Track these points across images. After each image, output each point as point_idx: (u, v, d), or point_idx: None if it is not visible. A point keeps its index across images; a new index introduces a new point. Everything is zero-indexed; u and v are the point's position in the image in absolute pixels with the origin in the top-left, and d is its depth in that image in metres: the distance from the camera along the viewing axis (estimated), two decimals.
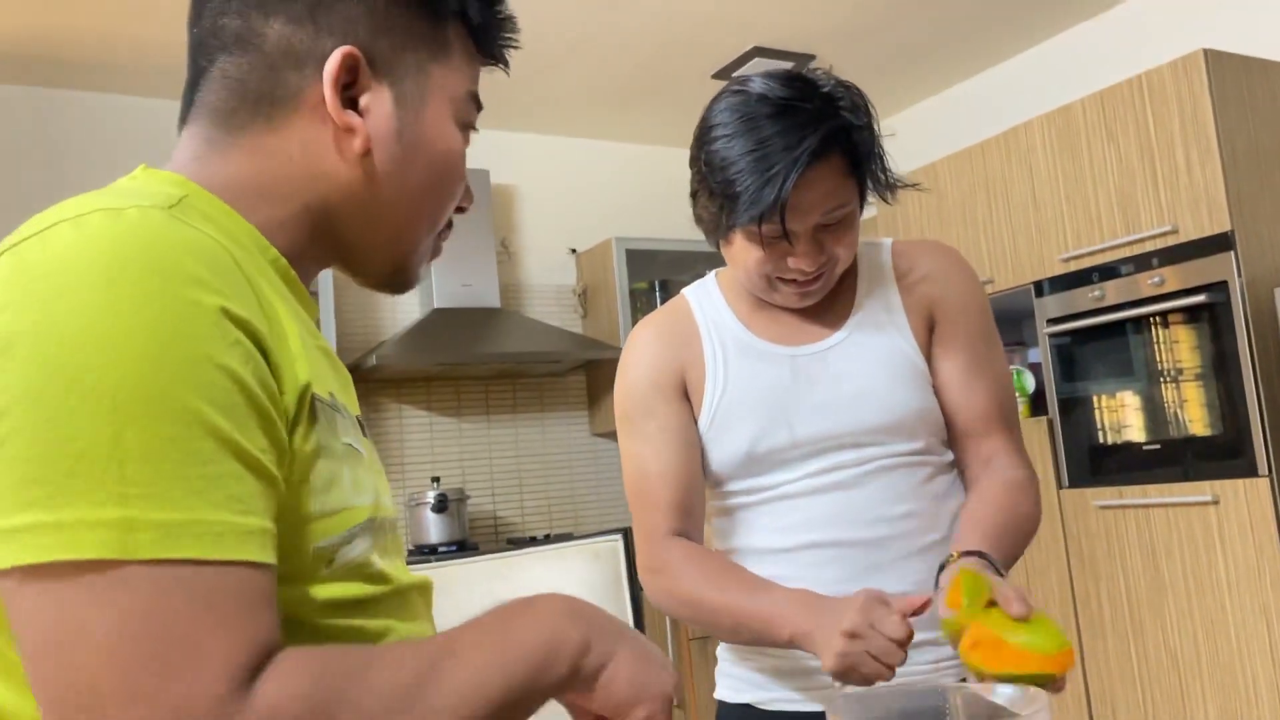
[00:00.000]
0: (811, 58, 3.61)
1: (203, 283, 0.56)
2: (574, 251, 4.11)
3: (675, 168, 4.36)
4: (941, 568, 1.09)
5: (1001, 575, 1.07)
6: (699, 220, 1.26)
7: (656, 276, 4.04)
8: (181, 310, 0.54)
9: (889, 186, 1.21)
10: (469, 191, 0.79)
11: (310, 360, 0.66)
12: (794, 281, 1.20)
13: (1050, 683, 0.91)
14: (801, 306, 1.26)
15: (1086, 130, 2.93)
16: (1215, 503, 2.62)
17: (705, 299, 1.34)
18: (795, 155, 1.10)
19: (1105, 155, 2.89)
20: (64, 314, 0.52)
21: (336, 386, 0.72)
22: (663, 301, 3.75)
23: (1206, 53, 2.65)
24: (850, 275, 1.30)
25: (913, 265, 1.30)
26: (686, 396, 1.28)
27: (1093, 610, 2.91)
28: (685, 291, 1.37)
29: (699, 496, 1.28)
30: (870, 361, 1.24)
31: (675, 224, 4.25)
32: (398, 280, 0.78)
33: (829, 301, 1.27)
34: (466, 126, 0.76)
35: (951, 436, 1.29)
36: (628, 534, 1.64)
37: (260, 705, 0.52)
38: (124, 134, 3.33)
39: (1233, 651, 2.60)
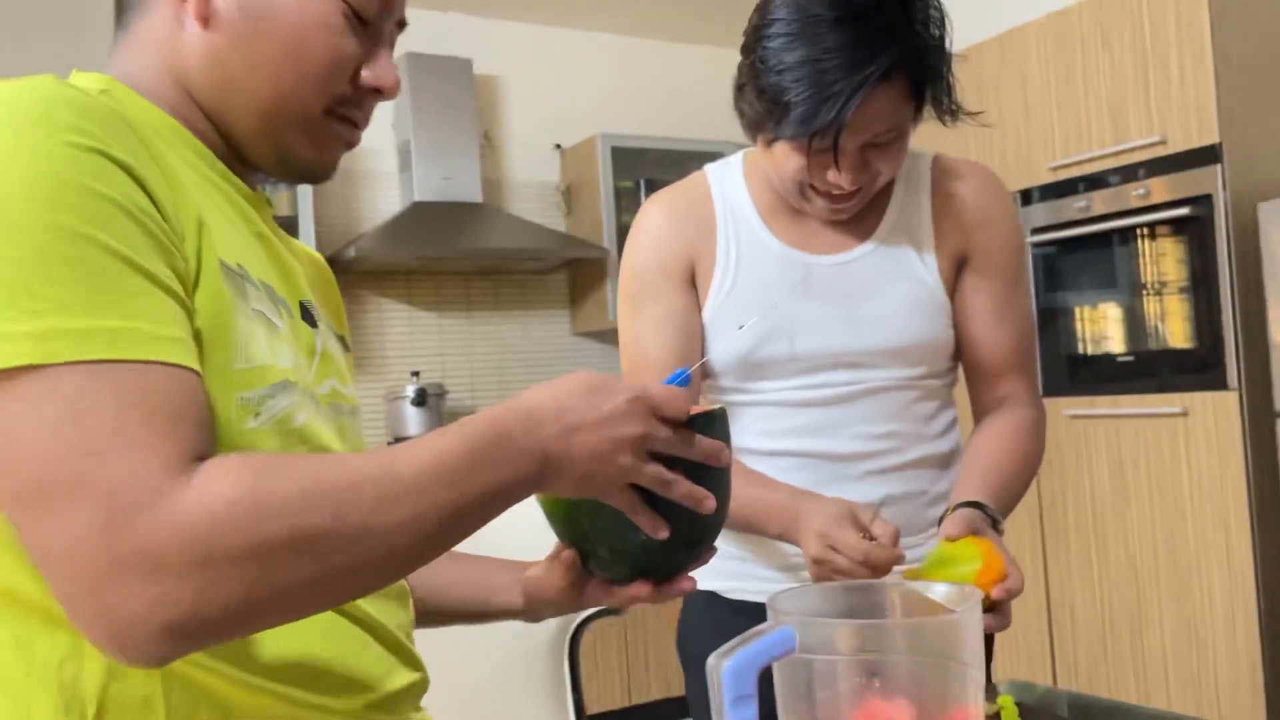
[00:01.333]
0: None
1: (84, 131, 0.59)
2: (558, 147, 4.05)
3: (666, 62, 4.28)
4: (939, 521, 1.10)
5: (998, 523, 1.07)
6: (740, 114, 1.18)
7: (642, 175, 3.99)
8: (63, 152, 0.57)
9: (952, 113, 1.15)
10: (385, 70, 0.74)
11: (228, 233, 0.68)
12: (829, 195, 1.16)
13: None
14: (832, 219, 1.21)
15: (1082, 36, 2.87)
16: (1184, 414, 2.66)
17: (727, 184, 1.27)
18: (860, 77, 1.02)
19: (1099, 62, 2.83)
20: None
21: (272, 272, 0.73)
22: None
23: None
24: (886, 187, 1.24)
25: (954, 190, 1.25)
26: (693, 284, 1.25)
27: (1057, 515, 2.98)
28: (707, 169, 1.30)
29: (695, 387, 1.26)
30: (887, 283, 1.21)
31: (663, 122, 4.19)
32: (291, 168, 0.75)
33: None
34: (357, 7, 0.72)
35: (969, 371, 1.28)
36: None
37: (198, 482, 0.54)
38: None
39: (1191, 559, 2.67)
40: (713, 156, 4.30)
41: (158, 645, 0.54)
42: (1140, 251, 2.78)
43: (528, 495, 0.66)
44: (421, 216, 3.48)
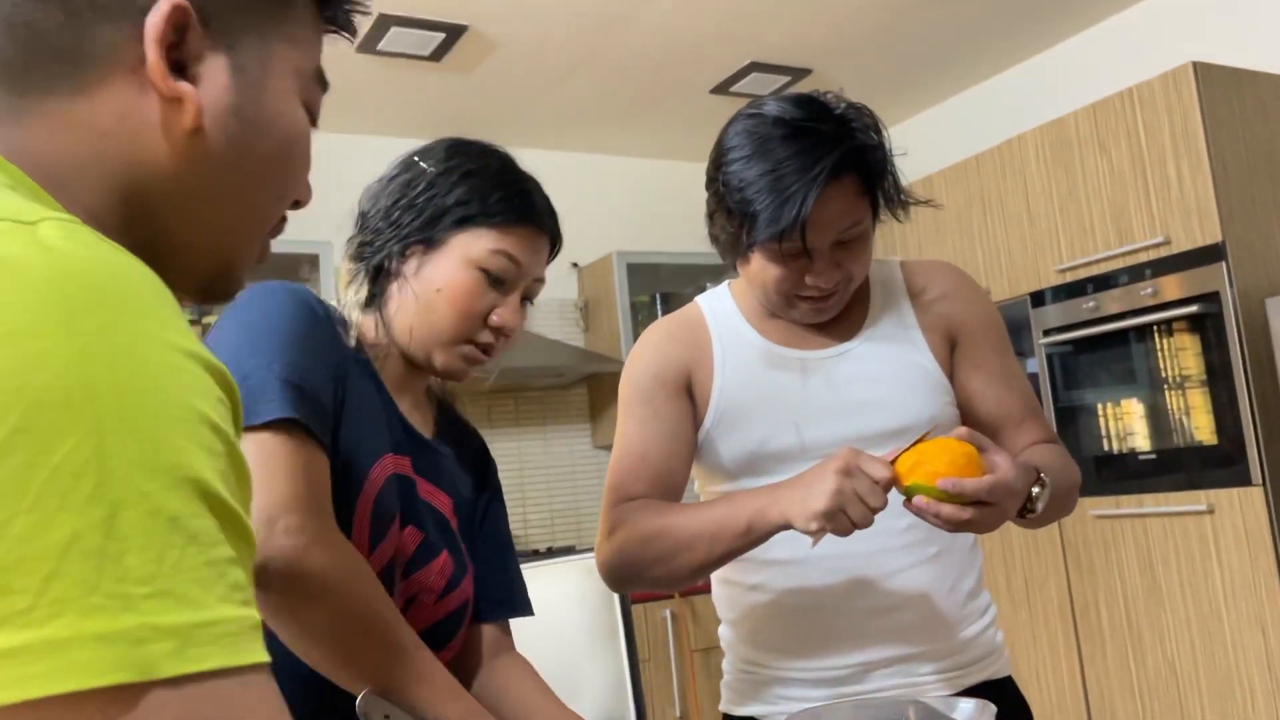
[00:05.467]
0: (808, 72, 3.64)
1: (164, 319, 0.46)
2: (575, 265, 4.15)
3: (676, 181, 4.41)
4: None
5: (1041, 476, 1.14)
6: (714, 240, 1.28)
7: (658, 290, 4.07)
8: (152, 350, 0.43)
9: (901, 204, 1.24)
10: (308, 186, 0.68)
11: None
12: (811, 298, 1.23)
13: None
14: (818, 321, 1.28)
15: (1079, 142, 2.95)
16: (1210, 512, 2.63)
17: (718, 305, 1.36)
18: (813, 174, 1.13)
19: (1098, 167, 2.91)
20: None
21: None
22: (664, 314, 3.79)
23: (1196, 65, 2.67)
24: (863, 290, 1.32)
25: (927, 283, 1.33)
26: (689, 394, 1.29)
27: (1091, 620, 2.93)
28: (699, 299, 1.39)
29: (675, 488, 1.28)
30: (883, 369, 1.27)
31: (676, 237, 4.30)
32: (219, 286, 0.64)
33: (842, 313, 1.29)
34: (311, 109, 0.65)
35: (993, 435, 1.30)
36: None
37: None
38: None
39: (1229, 660, 2.61)
40: (724, 269, 4.38)
41: None
42: (1156, 348, 2.81)
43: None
44: None
